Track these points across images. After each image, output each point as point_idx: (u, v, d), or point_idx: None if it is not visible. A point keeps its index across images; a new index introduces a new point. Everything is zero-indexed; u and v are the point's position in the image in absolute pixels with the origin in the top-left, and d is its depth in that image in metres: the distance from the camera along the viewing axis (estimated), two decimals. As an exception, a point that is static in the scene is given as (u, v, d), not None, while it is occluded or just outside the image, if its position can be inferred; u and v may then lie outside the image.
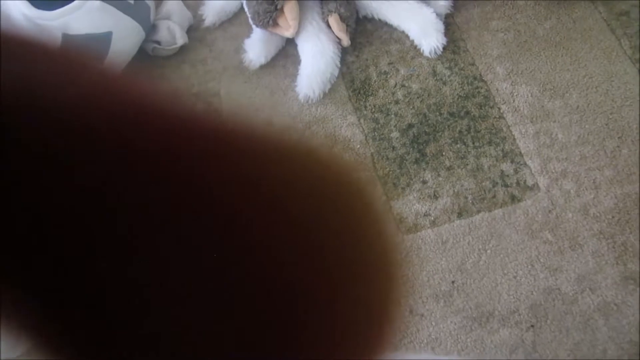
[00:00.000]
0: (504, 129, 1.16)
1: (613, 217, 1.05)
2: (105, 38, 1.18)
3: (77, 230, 0.14)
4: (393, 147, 1.17)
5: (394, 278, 0.20)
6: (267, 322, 0.16)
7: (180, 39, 1.30)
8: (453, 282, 1.04)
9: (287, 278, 0.17)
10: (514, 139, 1.15)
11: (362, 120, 1.21)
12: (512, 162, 1.12)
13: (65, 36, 1.15)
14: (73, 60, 0.17)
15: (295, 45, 1.27)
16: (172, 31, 1.29)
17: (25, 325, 0.15)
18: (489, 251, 1.06)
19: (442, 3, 1.26)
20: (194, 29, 1.36)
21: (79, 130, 0.15)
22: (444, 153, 1.15)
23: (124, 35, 1.21)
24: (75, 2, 1.14)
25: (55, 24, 1.14)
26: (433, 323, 1.02)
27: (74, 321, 0.15)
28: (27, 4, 1.13)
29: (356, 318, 0.19)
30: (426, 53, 1.24)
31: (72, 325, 0.15)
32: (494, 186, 1.11)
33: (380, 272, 0.20)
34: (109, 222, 0.15)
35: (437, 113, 1.19)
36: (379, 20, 1.30)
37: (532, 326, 0.99)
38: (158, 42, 1.29)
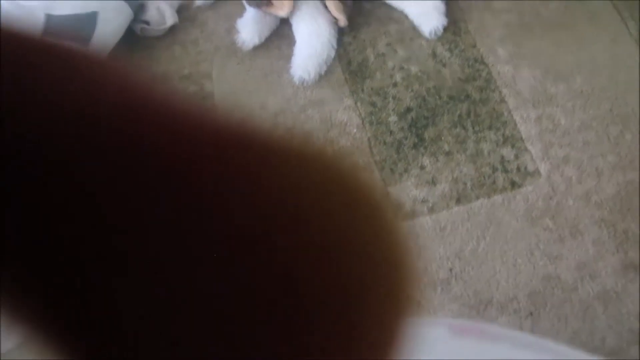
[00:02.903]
0: (505, 114, 1.13)
1: (615, 204, 1.03)
2: (90, 18, 1.14)
3: (73, 225, 0.14)
4: (391, 132, 1.14)
5: (403, 276, 0.19)
6: (272, 323, 0.16)
7: (170, 19, 1.25)
8: (451, 269, 1.03)
9: (292, 278, 0.16)
10: (515, 124, 1.12)
11: (358, 104, 1.18)
12: (512, 147, 1.10)
13: (49, 17, 1.10)
14: (55, 48, 0.16)
15: (290, 26, 1.23)
16: (162, 11, 1.25)
17: (19, 314, 0.15)
18: (487, 238, 1.04)
19: (442, -18, 1.22)
20: (185, 9, 1.31)
21: (63, 122, 0.14)
22: (442, 138, 1.13)
23: (110, 16, 1.17)
24: (59, -21, 1.10)
25: (38, 4, 1.09)
26: (431, 311, 1.01)
27: (71, 313, 0.15)
28: (9, -18, 1.08)
29: (365, 318, 0.18)
30: (426, 34, 1.20)
31: (69, 317, 0.15)
32: (493, 172, 1.09)
33: (388, 270, 0.19)
34: (100, 223, 0.14)
35: (437, 96, 1.16)
36: (377, -1, 1.26)
37: (531, 314, 0.98)
38: (147, 22, 1.25)
